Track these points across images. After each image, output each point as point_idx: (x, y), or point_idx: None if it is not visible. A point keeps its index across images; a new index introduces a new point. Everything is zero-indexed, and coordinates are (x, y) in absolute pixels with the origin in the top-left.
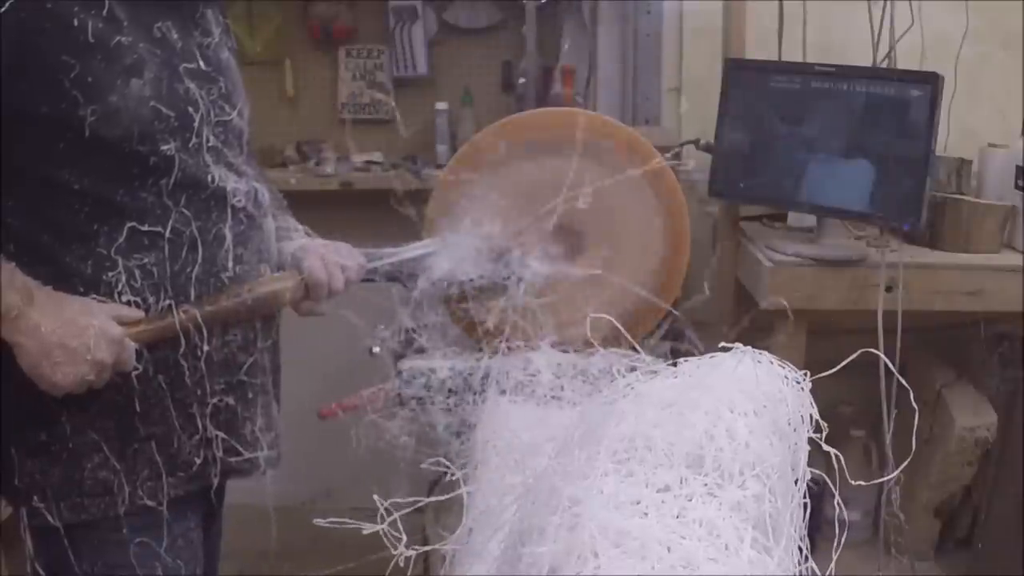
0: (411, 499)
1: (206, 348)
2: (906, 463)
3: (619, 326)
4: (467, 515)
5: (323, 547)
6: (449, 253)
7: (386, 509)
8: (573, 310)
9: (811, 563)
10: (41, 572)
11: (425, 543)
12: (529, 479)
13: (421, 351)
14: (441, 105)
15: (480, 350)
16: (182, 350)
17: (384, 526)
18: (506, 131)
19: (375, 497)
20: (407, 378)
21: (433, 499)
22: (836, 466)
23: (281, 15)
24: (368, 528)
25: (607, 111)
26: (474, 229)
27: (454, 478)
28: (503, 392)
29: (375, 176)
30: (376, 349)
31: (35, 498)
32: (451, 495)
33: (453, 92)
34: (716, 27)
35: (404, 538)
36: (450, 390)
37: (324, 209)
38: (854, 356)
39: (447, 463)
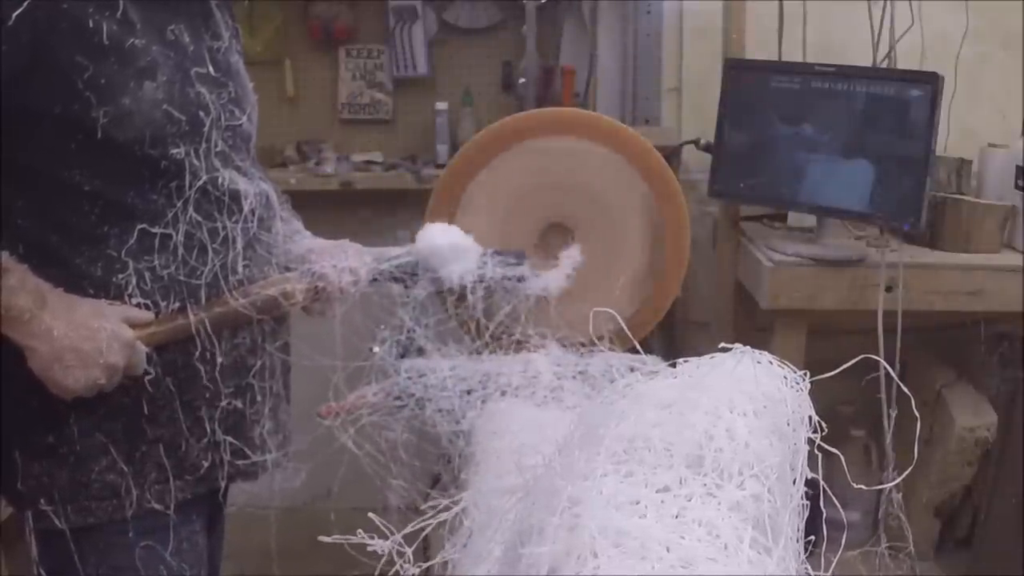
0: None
1: (217, 354)
2: (908, 471)
3: (622, 323)
4: (467, 516)
5: (324, 547)
6: (451, 254)
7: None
8: (572, 311)
9: (808, 565)
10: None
11: (425, 545)
12: (529, 479)
13: (421, 351)
14: (441, 105)
15: (480, 350)
16: (193, 353)
17: (389, 544)
18: (507, 130)
19: (371, 515)
20: (407, 378)
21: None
22: (836, 466)
23: (281, 15)
24: (373, 545)
25: (607, 111)
26: (474, 230)
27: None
28: (503, 392)
29: (375, 176)
30: (376, 349)
31: (41, 501)
32: (451, 500)
33: (453, 92)
34: (716, 27)
35: (408, 552)
36: (450, 390)
37: (324, 209)
38: (854, 361)
39: (446, 463)
